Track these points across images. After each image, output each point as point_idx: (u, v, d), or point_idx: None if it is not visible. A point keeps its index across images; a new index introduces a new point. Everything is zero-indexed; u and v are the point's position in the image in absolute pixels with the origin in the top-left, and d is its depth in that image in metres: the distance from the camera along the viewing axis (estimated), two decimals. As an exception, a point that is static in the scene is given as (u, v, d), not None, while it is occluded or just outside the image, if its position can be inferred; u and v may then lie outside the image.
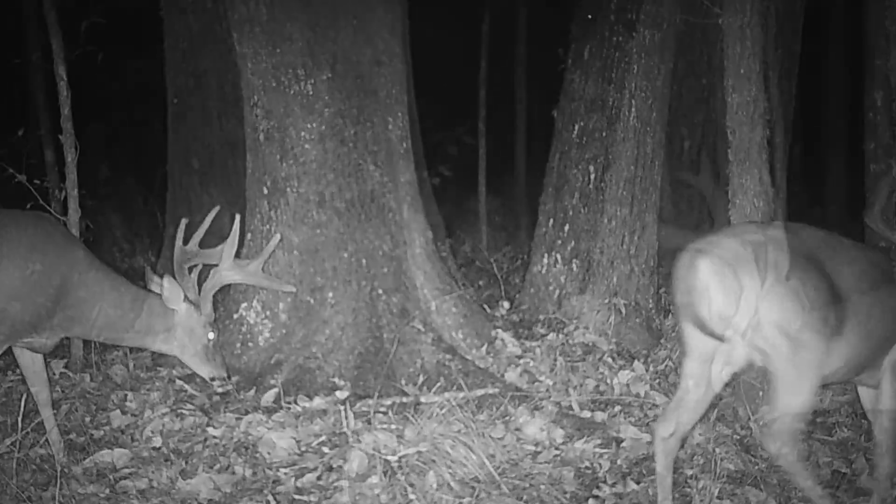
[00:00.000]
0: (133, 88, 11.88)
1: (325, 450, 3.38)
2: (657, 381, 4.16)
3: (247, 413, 3.72)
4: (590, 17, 4.61)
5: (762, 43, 3.67)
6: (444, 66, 11.82)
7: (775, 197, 3.84)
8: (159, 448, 3.42)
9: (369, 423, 3.47)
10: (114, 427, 3.64)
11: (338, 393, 3.89)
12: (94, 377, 4.18)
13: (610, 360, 4.30)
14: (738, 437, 3.56)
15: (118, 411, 3.76)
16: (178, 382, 4.08)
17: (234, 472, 3.19)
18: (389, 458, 3.09)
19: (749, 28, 3.60)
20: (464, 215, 8.94)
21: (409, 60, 4.63)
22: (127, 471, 3.20)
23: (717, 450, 3.38)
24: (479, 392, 3.90)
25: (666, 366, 4.29)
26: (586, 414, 3.80)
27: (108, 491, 3.04)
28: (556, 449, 3.43)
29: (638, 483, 3.12)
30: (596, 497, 3.05)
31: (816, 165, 9.15)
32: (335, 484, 3.07)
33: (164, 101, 5.55)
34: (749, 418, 3.66)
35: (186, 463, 3.27)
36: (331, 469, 3.18)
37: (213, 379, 3.57)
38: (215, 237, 3.77)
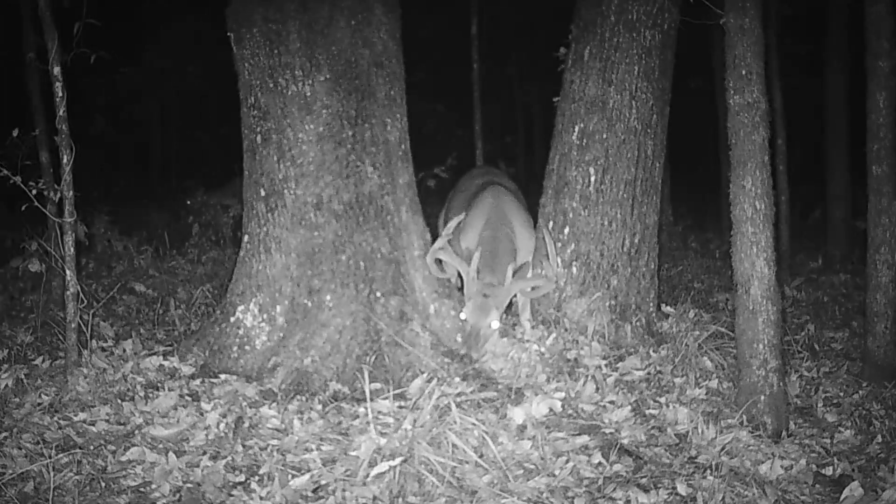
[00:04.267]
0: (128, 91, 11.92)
1: (325, 449, 3.35)
2: (657, 382, 4.14)
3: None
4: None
5: (763, 43, 3.64)
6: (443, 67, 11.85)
7: (777, 199, 3.82)
8: (159, 446, 3.40)
9: (368, 424, 3.44)
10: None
11: (336, 395, 3.87)
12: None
13: (610, 361, 4.27)
14: (739, 437, 3.54)
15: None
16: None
17: (234, 472, 3.17)
18: (389, 459, 3.07)
19: (750, 28, 3.58)
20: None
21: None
22: (127, 470, 3.18)
23: (719, 449, 3.37)
24: (479, 394, 3.88)
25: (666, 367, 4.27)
26: (586, 415, 3.78)
27: (104, 486, 3.03)
28: (557, 450, 3.40)
29: (639, 484, 3.10)
30: (596, 498, 3.02)
31: (818, 167, 9.12)
32: (334, 484, 3.04)
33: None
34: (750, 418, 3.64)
35: (186, 464, 3.24)
36: (331, 469, 3.15)
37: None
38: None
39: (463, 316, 4.22)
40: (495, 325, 4.23)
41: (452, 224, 4.48)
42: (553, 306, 4.56)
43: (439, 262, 4.38)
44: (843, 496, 3.11)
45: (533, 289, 4.45)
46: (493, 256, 4.38)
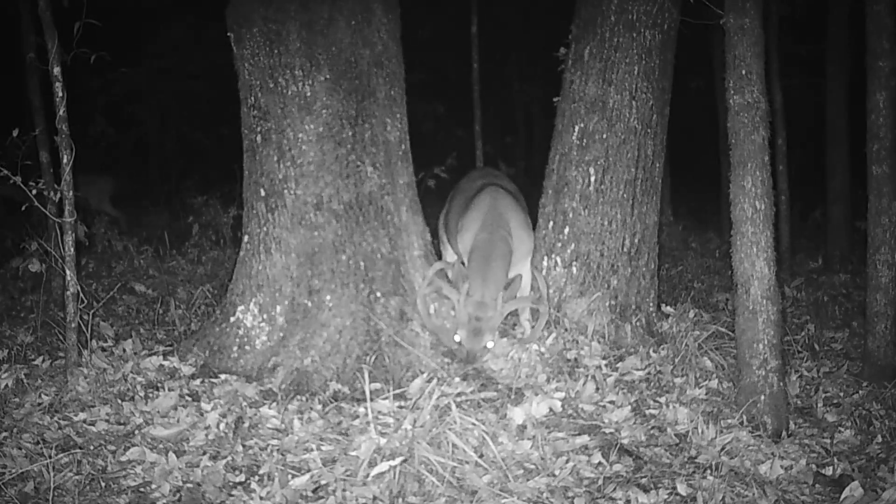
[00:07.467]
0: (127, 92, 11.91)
1: (325, 449, 3.35)
2: (657, 382, 4.14)
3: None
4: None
5: (763, 43, 3.64)
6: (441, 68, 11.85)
7: (777, 199, 3.82)
8: (159, 446, 3.40)
9: (368, 424, 3.44)
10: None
11: (336, 395, 3.87)
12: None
13: (610, 361, 4.27)
14: (739, 437, 3.54)
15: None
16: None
17: (234, 471, 3.17)
18: (389, 459, 3.07)
19: (750, 29, 3.57)
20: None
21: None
22: (127, 470, 3.18)
23: (719, 449, 3.37)
24: (479, 393, 3.88)
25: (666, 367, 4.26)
26: (586, 415, 3.78)
27: (104, 486, 3.03)
28: (557, 450, 3.40)
29: (639, 484, 3.10)
30: (596, 498, 3.02)
31: (818, 167, 9.12)
32: (334, 484, 3.04)
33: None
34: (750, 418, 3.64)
35: (186, 464, 3.24)
36: (331, 469, 3.15)
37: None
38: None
39: (457, 339, 4.16)
40: (490, 345, 4.15)
41: (431, 271, 4.34)
42: (553, 306, 4.56)
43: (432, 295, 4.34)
44: (843, 496, 3.11)
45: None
46: (486, 263, 4.23)
